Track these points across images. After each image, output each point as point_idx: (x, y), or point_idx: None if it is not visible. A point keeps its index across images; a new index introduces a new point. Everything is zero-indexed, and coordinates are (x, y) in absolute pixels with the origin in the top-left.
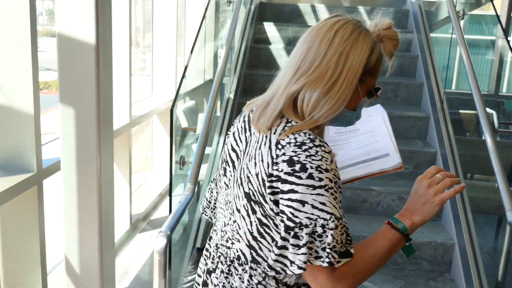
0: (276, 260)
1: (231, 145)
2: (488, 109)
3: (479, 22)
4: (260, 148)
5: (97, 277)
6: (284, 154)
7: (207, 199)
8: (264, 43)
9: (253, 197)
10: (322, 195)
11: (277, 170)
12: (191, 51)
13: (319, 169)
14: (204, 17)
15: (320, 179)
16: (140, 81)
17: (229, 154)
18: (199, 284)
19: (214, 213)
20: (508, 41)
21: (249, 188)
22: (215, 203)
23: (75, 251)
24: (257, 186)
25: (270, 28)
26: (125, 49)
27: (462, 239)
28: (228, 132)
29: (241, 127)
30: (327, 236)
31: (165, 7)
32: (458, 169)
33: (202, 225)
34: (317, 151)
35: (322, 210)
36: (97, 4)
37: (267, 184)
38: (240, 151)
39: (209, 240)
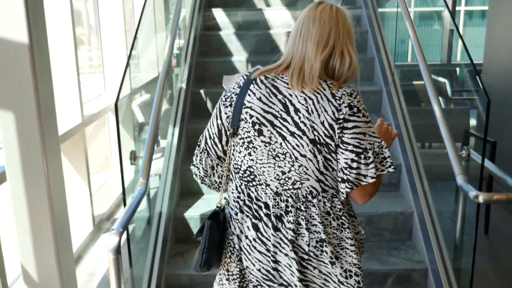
0: (355, 178)
1: (262, 109)
2: (441, 78)
3: None
4: (318, 103)
5: (57, 283)
6: (343, 102)
7: (203, 169)
8: (214, 30)
9: (318, 141)
10: (371, 127)
11: (342, 114)
12: (133, 40)
13: (365, 109)
14: (144, 5)
15: (367, 116)
16: (96, 79)
17: (263, 116)
18: (259, 234)
19: (214, 180)
20: (450, 11)
21: (314, 135)
22: (212, 171)
23: (31, 260)
24: (323, 131)
25: (219, 14)
26: (70, 46)
27: (420, 207)
28: (228, 99)
29: (267, 92)
30: (383, 153)
31: (111, 11)
32: (412, 139)
33: (163, 218)
34: (359, 98)
35: (375, 137)
36: (26, 2)
37: (336, 126)
38: (277, 111)
39: (254, 204)
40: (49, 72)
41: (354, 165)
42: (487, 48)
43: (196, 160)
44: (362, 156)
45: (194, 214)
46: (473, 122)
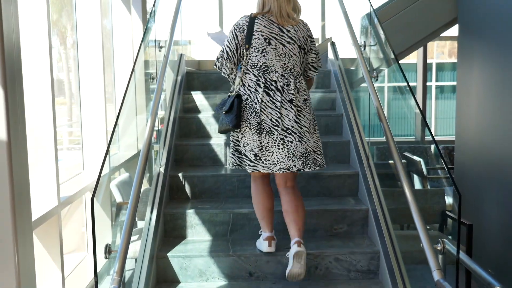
0: (318, 66)
1: (268, 31)
2: (415, 157)
3: (406, 69)
4: (299, 29)
5: None
6: (308, 29)
7: (228, 70)
8: (193, 112)
9: (301, 46)
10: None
11: (310, 34)
12: (114, 126)
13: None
14: (128, 85)
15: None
16: (75, 155)
17: (269, 35)
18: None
19: (234, 75)
20: (409, 87)
21: (300, 43)
22: (231, 70)
23: None
24: (304, 42)
25: (198, 97)
26: (49, 126)
27: None
28: (241, 28)
29: (267, 23)
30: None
31: (92, 79)
32: (389, 223)
33: None
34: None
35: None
36: (6, 100)
37: (309, 40)
38: (276, 33)
39: (270, 86)
40: (25, 163)
41: (317, 56)
42: (458, 127)
43: (222, 65)
44: (318, 55)
45: None
46: (449, 200)
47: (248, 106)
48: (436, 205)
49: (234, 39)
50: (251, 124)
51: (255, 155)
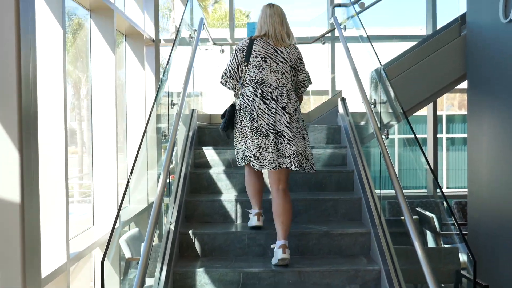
0: (308, 83)
1: (264, 51)
2: (428, 213)
3: (416, 121)
4: (291, 51)
5: None
6: (299, 52)
7: (233, 85)
8: (204, 168)
9: (292, 66)
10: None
11: (300, 57)
12: (126, 187)
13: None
14: (141, 141)
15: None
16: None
17: (265, 54)
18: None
19: (237, 89)
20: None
21: (292, 63)
22: (235, 85)
23: None
24: (294, 62)
25: (209, 152)
26: (61, 181)
27: None
28: (241, 49)
29: (264, 45)
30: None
31: (105, 128)
32: (402, 284)
33: None
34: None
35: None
36: (22, 161)
37: (299, 61)
38: (271, 53)
39: (266, 96)
40: (37, 224)
41: (307, 74)
42: (470, 182)
43: (226, 82)
44: (306, 73)
45: None
46: (464, 257)
47: (247, 113)
48: (450, 264)
49: (235, 59)
50: (249, 129)
51: (254, 155)
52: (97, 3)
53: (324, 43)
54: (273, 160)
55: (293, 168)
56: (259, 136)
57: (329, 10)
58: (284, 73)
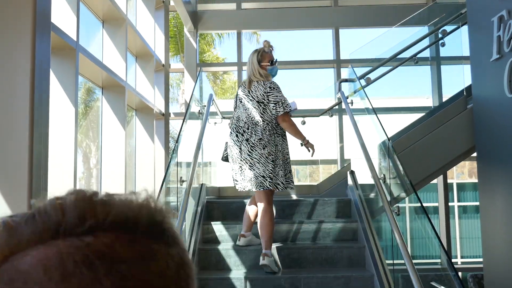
0: (276, 112)
1: (242, 94)
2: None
3: (426, 190)
4: (258, 88)
5: None
6: (266, 87)
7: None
8: (213, 243)
9: (259, 101)
10: (280, 92)
11: (267, 91)
12: None
13: (277, 88)
14: None
15: (278, 89)
16: None
17: (242, 96)
18: (240, 148)
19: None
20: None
21: (258, 99)
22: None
23: None
24: (261, 98)
25: (218, 228)
26: None
27: None
28: (236, 96)
29: (243, 89)
30: (284, 101)
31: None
32: None
33: None
34: (274, 85)
35: (282, 96)
36: None
37: (266, 95)
38: (245, 95)
39: (238, 130)
40: None
41: (276, 107)
42: (485, 256)
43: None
44: (278, 103)
45: None
46: None
47: (228, 144)
48: None
49: (234, 103)
50: (229, 156)
51: (232, 177)
52: (109, 81)
53: (331, 115)
54: (241, 182)
55: (253, 189)
56: (235, 163)
57: (336, 84)
58: (252, 109)
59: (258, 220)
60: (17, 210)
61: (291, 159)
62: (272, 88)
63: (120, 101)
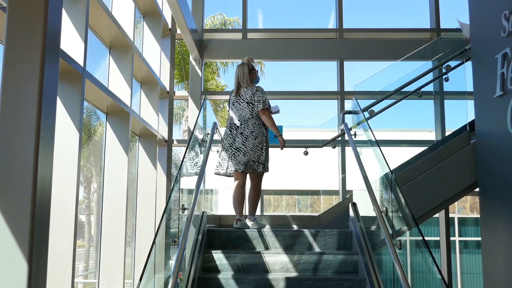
0: (257, 108)
1: (234, 99)
2: None
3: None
4: (247, 91)
5: None
6: (253, 90)
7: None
8: (213, 272)
9: (248, 102)
10: (264, 94)
11: (254, 93)
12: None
13: (262, 91)
14: (149, 255)
15: (263, 91)
16: None
17: (234, 101)
18: (235, 145)
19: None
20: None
21: (248, 100)
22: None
23: None
24: (250, 99)
25: (218, 256)
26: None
27: None
28: (228, 101)
29: (234, 94)
30: (265, 100)
31: (114, 225)
32: None
33: None
34: (258, 87)
35: (264, 97)
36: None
37: (253, 96)
38: (236, 99)
39: (232, 126)
40: None
41: (260, 105)
42: None
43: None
44: (261, 103)
45: None
46: None
47: (224, 137)
48: None
49: (228, 107)
50: (223, 147)
51: (218, 162)
52: (114, 107)
53: (334, 146)
54: (231, 165)
55: (246, 171)
56: (228, 151)
57: (340, 116)
58: (243, 109)
59: (248, 194)
60: (19, 232)
61: (293, 188)
62: (257, 90)
63: (124, 126)
